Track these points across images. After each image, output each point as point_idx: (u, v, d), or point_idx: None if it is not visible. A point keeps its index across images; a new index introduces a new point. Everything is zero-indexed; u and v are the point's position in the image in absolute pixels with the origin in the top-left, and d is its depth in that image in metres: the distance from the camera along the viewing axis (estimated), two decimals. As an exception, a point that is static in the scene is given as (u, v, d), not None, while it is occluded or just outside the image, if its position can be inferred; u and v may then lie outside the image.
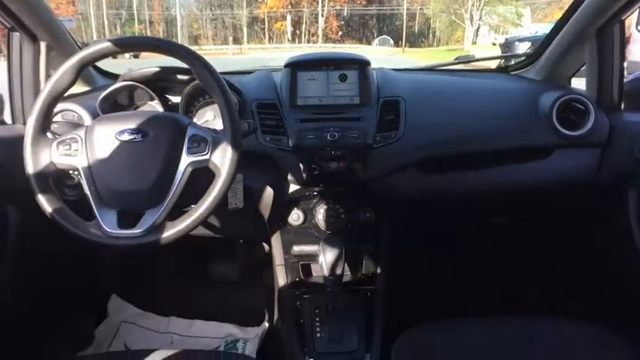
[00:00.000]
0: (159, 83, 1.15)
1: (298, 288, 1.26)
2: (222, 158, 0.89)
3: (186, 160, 0.89)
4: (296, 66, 1.19)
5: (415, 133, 1.15)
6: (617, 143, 1.18)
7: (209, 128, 0.96)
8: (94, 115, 1.14)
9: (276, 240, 1.27)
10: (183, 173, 0.89)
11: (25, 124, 1.21)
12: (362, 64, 1.19)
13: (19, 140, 1.14)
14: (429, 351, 0.96)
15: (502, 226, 1.57)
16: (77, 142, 0.92)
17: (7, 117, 1.25)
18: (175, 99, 1.19)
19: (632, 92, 1.25)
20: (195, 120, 1.15)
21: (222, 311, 1.72)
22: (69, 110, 1.15)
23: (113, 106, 1.16)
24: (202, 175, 0.91)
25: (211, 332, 1.67)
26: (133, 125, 0.91)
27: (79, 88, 1.38)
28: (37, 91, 1.21)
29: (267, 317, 1.63)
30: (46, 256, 1.18)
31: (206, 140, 0.90)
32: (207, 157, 0.89)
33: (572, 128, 1.19)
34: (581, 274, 1.47)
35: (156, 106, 1.17)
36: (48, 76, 1.24)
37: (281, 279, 1.26)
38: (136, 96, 1.18)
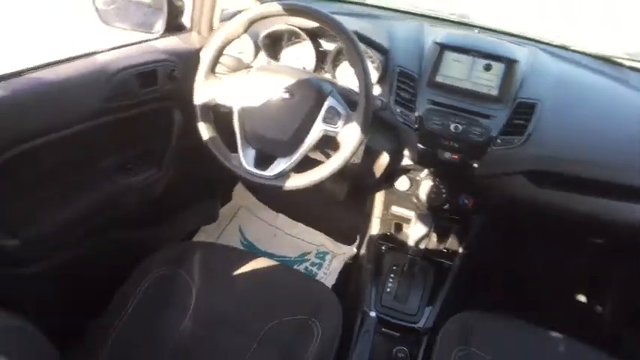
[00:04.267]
0: (315, 28, 1.25)
1: (386, 241, 1.41)
2: (349, 136, 1.03)
3: (319, 125, 1.04)
4: (446, 46, 1.21)
5: (540, 145, 1.14)
6: None
7: (348, 95, 1.09)
8: (257, 49, 1.31)
9: (379, 195, 1.42)
10: (314, 135, 1.05)
11: (200, 33, 1.41)
12: (510, 62, 1.18)
13: (192, 52, 1.36)
14: (471, 338, 1.09)
15: (596, 245, 1.54)
16: (237, 85, 1.10)
17: (186, 20, 1.45)
18: (326, 45, 1.29)
19: None
20: (337, 75, 1.27)
21: (323, 223, 1.96)
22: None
23: (273, 40, 1.31)
24: (329, 140, 1.07)
25: (308, 237, 1.94)
26: (284, 84, 1.07)
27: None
28: (213, 4, 1.38)
29: (356, 243, 1.84)
30: (194, 150, 1.44)
31: (340, 115, 1.04)
32: (337, 130, 1.04)
33: None
34: None
35: (306, 47, 1.28)
36: None
37: (374, 228, 1.42)
38: (292, 34, 1.30)
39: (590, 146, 1.15)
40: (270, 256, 1.82)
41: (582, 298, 1.70)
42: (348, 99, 1.10)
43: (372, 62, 1.23)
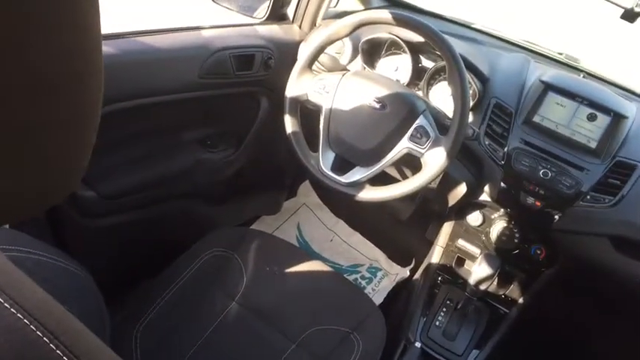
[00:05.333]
0: (418, 42, 1.23)
1: (444, 272, 1.36)
2: (433, 159, 0.99)
3: (405, 143, 1.02)
4: (551, 86, 1.14)
5: (632, 210, 1.06)
6: None
7: (439, 118, 1.06)
8: (354, 52, 1.29)
9: (447, 225, 1.37)
10: (398, 151, 1.02)
11: (300, 27, 1.42)
12: (618, 116, 1.09)
13: (291, 44, 1.38)
14: None
15: None
16: (331, 85, 1.09)
17: (290, 12, 1.46)
18: (425, 62, 1.26)
19: None
20: (429, 95, 1.24)
21: (380, 238, 1.92)
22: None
23: (372, 46, 1.29)
24: (410, 159, 1.04)
25: (364, 250, 1.91)
26: (378, 93, 1.05)
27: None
28: (320, 2, 1.38)
29: (411, 267, 1.79)
30: (273, 140, 1.45)
31: (428, 136, 1.01)
32: (422, 151, 1.01)
33: None
34: None
35: (405, 60, 1.25)
36: None
37: (435, 257, 1.37)
38: (393, 44, 1.28)
39: None
40: (323, 260, 1.82)
41: None
42: (439, 122, 1.06)
43: (470, 89, 1.18)
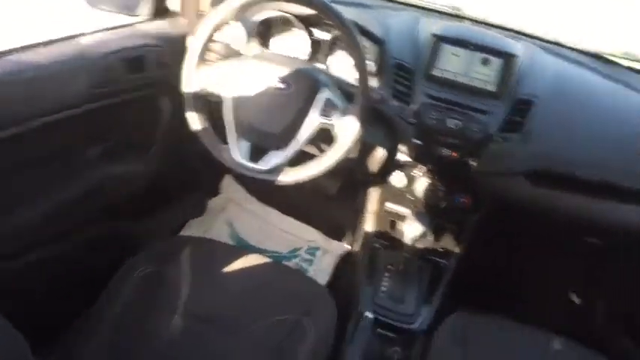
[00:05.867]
0: (309, 16, 1.20)
1: (380, 238, 1.38)
2: (345, 129, 0.99)
3: (315, 118, 1.00)
4: (443, 39, 1.17)
5: (538, 142, 1.11)
6: None
7: (344, 87, 1.05)
8: (248, 35, 1.25)
9: (373, 191, 1.38)
10: (309, 128, 1.01)
11: (188, 17, 1.35)
12: (509, 56, 1.14)
13: (181, 38, 1.31)
14: (466, 338, 1.08)
15: (591, 246, 1.51)
16: (229, 74, 1.05)
17: (176, 5, 1.37)
18: (320, 34, 1.24)
19: None
20: (330, 66, 1.23)
21: (314, 217, 1.92)
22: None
23: (264, 26, 1.26)
24: (325, 134, 1.02)
25: (299, 232, 1.89)
26: (279, 74, 1.02)
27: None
28: None
29: (348, 239, 1.81)
30: (181, 141, 1.38)
31: (336, 107, 1.00)
32: (333, 123, 0.99)
33: None
34: None
35: (299, 35, 1.23)
36: None
37: (368, 225, 1.39)
38: (285, 21, 1.24)
39: (588, 146, 1.14)
40: (262, 251, 1.78)
41: (576, 299, 1.69)
42: (345, 91, 1.05)
43: (368, 53, 1.18)
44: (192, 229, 1.80)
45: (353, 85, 1.04)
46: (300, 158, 1.06)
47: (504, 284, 1.60)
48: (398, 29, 1.24)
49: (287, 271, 1.16)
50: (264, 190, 1.96)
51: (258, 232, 1.87)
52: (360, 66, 0.97)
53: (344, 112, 0.99)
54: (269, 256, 1.17)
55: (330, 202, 1.87)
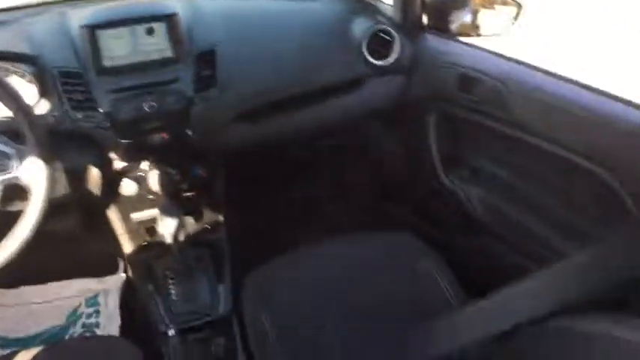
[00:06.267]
0: None
1: (147, 251, 1.30)
2: (34, 175, 0.85)
3: None
4: (96, 27, 1.06)
5: (234, 87, 1.13)
6: (419, 70, 1.29)
7: (10, 128, 0.90)
8: None
9: (112, 211, 1.27)
10: None
11: None
12: (169, 17, 1.09)
13: None
14: (274, 286, 1.12)
15: (330, 147, 1.66)
16: None
17: None
18: None
19: (432, 9, 1.30)
20: None
21: (73, 267, 1.69)
22: None
23: None
24: (15, 190, 0.87)
25: (68, 291, 1.66)
26: None
27: None
28: None
29: (122, 267, 1.66)
30: None
31: (9, 156, 0.85)
32: (15, 174, 0.85)
33: (379, 57, 1.25)
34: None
35: None
36: None
37: (127, 246, 1.28)
38: None
39: (275, 71, 1.20)
40: (36, 338, 1.53)
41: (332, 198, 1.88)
42: (11, 131, 0.90)
43: (23, 77, 1.02)
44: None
45: (15, 122, 0.89)
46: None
47: (275, 228, 1.68)
48: (46, 35, 1.10)
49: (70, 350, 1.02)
50: (7, 273, 1.64)
51: (20, 320, 1.58)
52: (10, 101, 0.84)
53: (20, 158, 0.85)
54: (48, 335, 0.99)
55: (81, 242, 1.67)
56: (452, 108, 1.27)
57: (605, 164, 0.93)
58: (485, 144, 1.31)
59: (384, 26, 1.26)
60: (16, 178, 0.85)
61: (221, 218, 1.34)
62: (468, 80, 1.17)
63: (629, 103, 0.90)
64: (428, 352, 0.87)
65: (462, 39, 1.26)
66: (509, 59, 1.13)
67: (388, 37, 1.25)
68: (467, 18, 1.25)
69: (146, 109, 1.04)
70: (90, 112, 1.04)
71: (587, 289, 0.53)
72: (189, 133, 1.12)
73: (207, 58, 1.11)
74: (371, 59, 1.25)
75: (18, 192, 0.87)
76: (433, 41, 1.29)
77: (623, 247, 0.52)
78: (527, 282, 0.59)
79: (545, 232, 1.12)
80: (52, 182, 0.87)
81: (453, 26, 1.27)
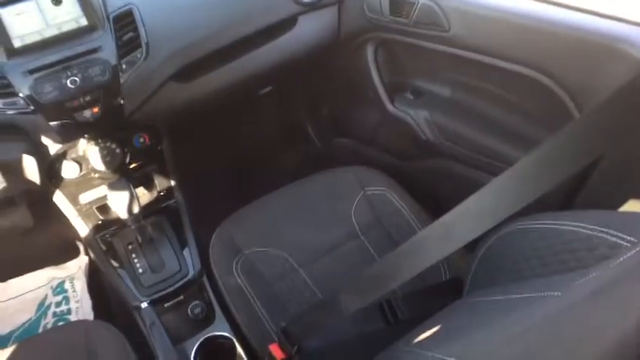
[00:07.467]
0: None
1: (104, 229, 1.26)
2: None
3: None
4: None
5: (162, 45, 1.07)
6: (350, 2, 1.28)
7: None
8: None
9: (58, 197, 1.21)
10: None
11: None
12: None
13: None
14: (240, 236, 1.13)
15: (269, 96, 1.64)
16: None
17: None
18: None
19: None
20: None
21: (35, 259, 1.64)
22: None
23: None
24: None
25: (32, 284, 1.61)
26: None
27: None
28: None
29: (82, 250, 1.62)
30: None
31: None
32: None
33: None
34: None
35: None
36: None
37: (81, 229, 1.24)
38: None
39: (203, 21, 1.14)
40: (9, 336, 1.49)
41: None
42: None
43: None
44: None
45: None
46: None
47: (238, 178, 1.67)
48: None
49: (46, 342, 1.01)
50: None
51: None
52: None
53: None
54: (22, 333, 0.97)
55: (35, 233, 1.61)
56: (387, 34, 1.25)
57: (547, 71, 0.94)
58: (426, 65, 1.31)
59: None
60: None
61: (173, 183, 1.31)
62: (400, 3, 1.15)
63: (567, 7, 0.90)
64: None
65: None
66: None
67: None
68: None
69: (69, 85, 0.98)
70: (9, 98, 0.96)
71: (536, 190, 0.55)
72: (122, 102, 1.06)
73: (125, 20, 1.04)
74: None
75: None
76: None
77: (566, 143, 0.54)
78: (481, 192, 0.61)
79: (495, 144, 1.15)
80: None
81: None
